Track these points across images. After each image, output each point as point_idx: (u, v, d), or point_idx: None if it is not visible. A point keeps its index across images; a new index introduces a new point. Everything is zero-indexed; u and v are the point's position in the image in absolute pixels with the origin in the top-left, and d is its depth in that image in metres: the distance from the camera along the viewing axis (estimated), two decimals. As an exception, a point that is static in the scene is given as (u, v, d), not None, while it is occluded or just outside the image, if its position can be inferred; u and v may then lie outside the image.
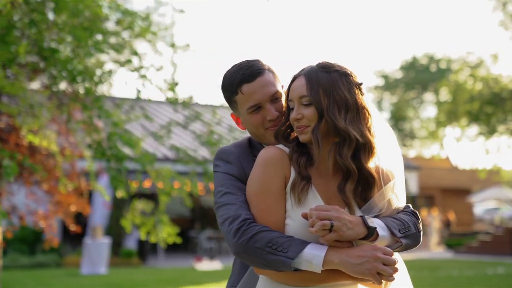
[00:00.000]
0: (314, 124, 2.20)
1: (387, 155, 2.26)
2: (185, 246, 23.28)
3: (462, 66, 38.64)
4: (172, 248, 22.04)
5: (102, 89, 8.10)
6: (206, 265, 17.97)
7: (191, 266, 18.31)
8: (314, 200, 2.18)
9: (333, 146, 2.19)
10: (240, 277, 2.47)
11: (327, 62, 2.26)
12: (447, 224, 30.94)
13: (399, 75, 43.50)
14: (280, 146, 2.29)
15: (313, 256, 2.07)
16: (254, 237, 2.14)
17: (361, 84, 2.25)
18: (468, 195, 34.83)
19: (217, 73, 65.81)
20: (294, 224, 2.16)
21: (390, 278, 2.04)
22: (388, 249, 2.09)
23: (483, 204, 39.73)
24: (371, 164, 2.21)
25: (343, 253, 2.07)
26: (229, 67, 2.52)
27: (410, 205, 2.35)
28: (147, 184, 9.52)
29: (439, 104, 42.27)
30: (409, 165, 27.42)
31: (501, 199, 34.77)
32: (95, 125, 7.41)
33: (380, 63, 60.13)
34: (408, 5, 72.06)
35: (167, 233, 9.73)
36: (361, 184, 2.19)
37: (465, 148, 64.88)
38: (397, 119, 43.85)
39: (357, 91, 2.22)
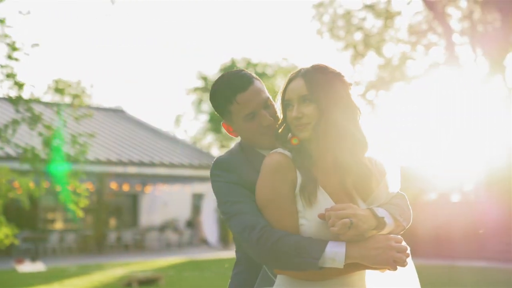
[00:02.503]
0: (314, 121, 2.32)
1: (376, 148, 2.43)
2: (-1, 248, 22.04)
3: (277, 71, 40.37)
4: (-15, 251, 20.83)
5: None
6: (28, 266, 17.21)
7: (12, 268, 17.42)
8: (324, 199, 2.31)
9: (333, 142, 2.32)
10: (247, 276, 2.54)
11: (322, 64, 2.40)
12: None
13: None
14: (280, 150, 2.37)
15: (335, 254, 2.22)
16: (278, 243, 2.25)
17: (351, 84, 2.41)
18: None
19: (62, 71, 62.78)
20: (309, 223, 2.29)
21: (403, 264, 2.24)
22: (399, 237, 2.29)
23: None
24: (365, 158, 2.38)
25: (360, 247, 2.24)
26: (217, 80, 2.60)
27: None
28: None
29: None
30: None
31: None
32: None
33: (200, 66, 60.80)
34: (227, 9, 73.67)
35: (3, 234, 9.28)
36: (360, 178, 2.35)
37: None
38: (217, 121, 44.75)
39: (350, 91, 2.39)
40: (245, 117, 2.51)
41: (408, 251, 2.28)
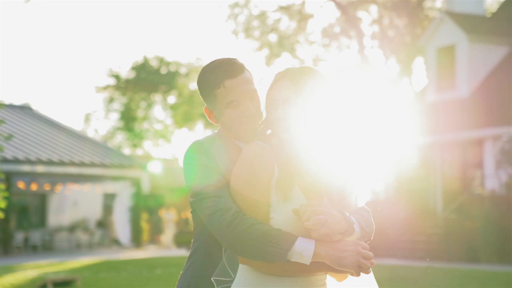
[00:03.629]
0: (297, 124, 2.33)
1: (347, 156, 2.45)
2: None
3: (191, 70, 40.23)
4: None
5: None
6: None
7: None
8: (298, 197, 2.32)
9: (316, 146, 2.35)
10: (204, 267, 2.50)
11: (310, 67, 2.40)
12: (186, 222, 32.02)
13: (130, 75, 43.78)
14: (259, 142, 2.37)
15: (304, 249, 2.23)
16: (249, 229, 2.25)
17: (336, 88, 2.41)
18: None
19: None
20: (280, 218, 2.29)
21: (368, 271, 2.26)
22: (366, 244, 2.30)
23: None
24: (338, 164, 2.40)
25: (329, 246, 2.25)
26: (208, 64, 2.58)
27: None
28: None
29: (171, 106, 43.31)
30: (142, 165, 27.78)
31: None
32: None
33: (111, 63, 59.60)
34: (139, 7, 72.67)
35: None
36: (335, 184, 2.37)
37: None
38: (128, 120, 44.07)
39: (334, 95, 2.40)
40: (229, 103, 2.49)
41: (373, 260, 2.30)
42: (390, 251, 18.52)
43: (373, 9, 27.36)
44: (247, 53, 39.02)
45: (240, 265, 2.39)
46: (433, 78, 22.23)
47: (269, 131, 2.45)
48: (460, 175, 20.65)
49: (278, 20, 27.45)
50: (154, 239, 27.75)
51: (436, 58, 22.18)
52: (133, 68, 43.87)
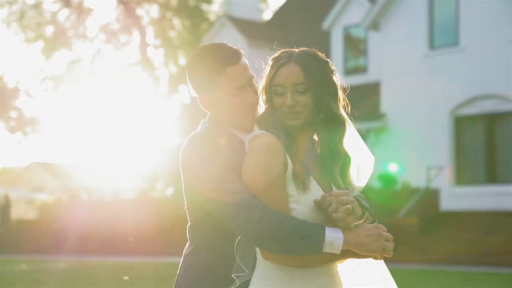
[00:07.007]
0: (308, 110, 2.27)
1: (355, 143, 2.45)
2: None
3: None
4: None
5: None
6: None
7: None
8: (314, 186, 2.27)
9: (328, 131, 2.32)
10: (210, 264, 2.35)
11: (312, 50, 2.34)
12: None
13: None
14: (265, 132, 2.28)
15: (334, 238, 2.20)
16: (281, 224, 2.18)
17: (336, 71, 2.37)
18: None
19: None
20: (303, 209, 2.24)
21: (390, 253, 2.27)
22: (383, 226, 2.28)
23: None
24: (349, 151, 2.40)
25: (354, 233, 2.23)
26: (200, 50, 2.41)
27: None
28: None
29: None
30: None
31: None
32: None
33: None
34: None
35: None
36: (345, 168, 2.38)
37: None
38: None
39: (336, 78, 2.36)
40: (232, 91, 2.37)
41: (393, 242, 2.31)
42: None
43: (155, 8, 27.35)
44: (20, 44, 36.81)
45: (262, 261, 2.28)
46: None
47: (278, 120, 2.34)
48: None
49: (56, 12, 26.29)
50: None
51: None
52: None
